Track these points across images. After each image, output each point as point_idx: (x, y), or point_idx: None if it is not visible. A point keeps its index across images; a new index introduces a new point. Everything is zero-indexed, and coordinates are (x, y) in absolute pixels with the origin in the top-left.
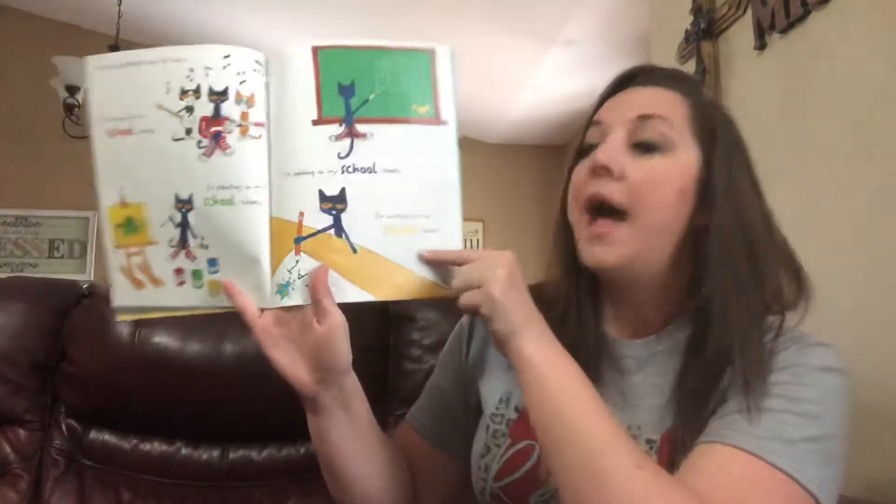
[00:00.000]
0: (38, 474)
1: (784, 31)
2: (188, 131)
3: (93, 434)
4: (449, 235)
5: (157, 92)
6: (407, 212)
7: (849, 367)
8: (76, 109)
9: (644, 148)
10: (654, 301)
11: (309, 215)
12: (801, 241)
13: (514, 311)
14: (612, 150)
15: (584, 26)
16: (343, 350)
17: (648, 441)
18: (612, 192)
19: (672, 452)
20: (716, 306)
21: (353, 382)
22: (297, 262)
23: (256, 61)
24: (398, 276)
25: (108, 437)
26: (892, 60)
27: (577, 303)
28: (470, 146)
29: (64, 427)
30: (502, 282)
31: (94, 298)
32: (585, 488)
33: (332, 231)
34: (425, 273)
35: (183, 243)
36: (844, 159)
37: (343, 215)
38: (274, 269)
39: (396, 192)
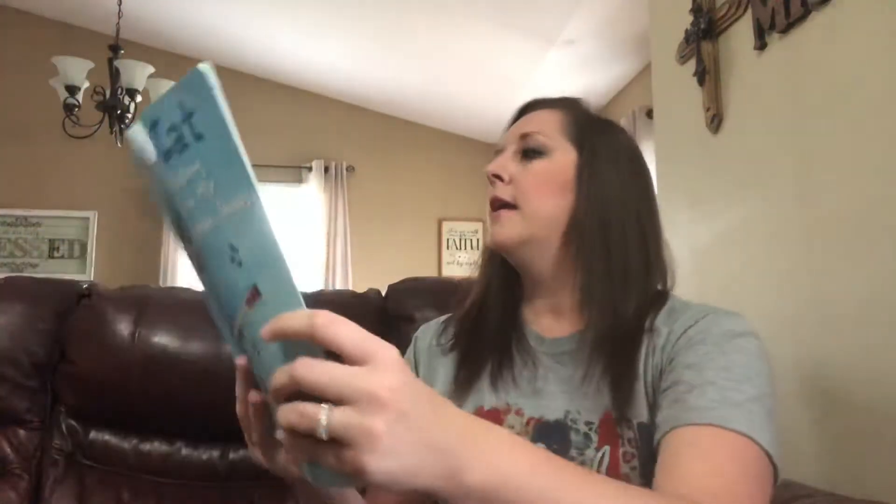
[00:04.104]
0: (38, 474)
1: (784, 31)
2: None
3: (93, 434)
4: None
5: None
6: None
7: (850, 366)
8: (76, 109)
9: (528, 155)
10: (565, 294)
11: None
12: (801, 241)
13: (418, 471)
14: (501, 161)
15: (584, 26)
16: None
17: (587, 423)
18: (503, 193)
19: (610, 430)
20: (582, 291)
21: None
22: None
23: None
24: None
25: (108, 437)
26: (892, 60)
27: (491, 289)
28: (470, 146)
29: (64, 427)
30: (379, 448)
31: (93, 298)
32: None
33: None
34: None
35: None
36: (845, 159)
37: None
38: None
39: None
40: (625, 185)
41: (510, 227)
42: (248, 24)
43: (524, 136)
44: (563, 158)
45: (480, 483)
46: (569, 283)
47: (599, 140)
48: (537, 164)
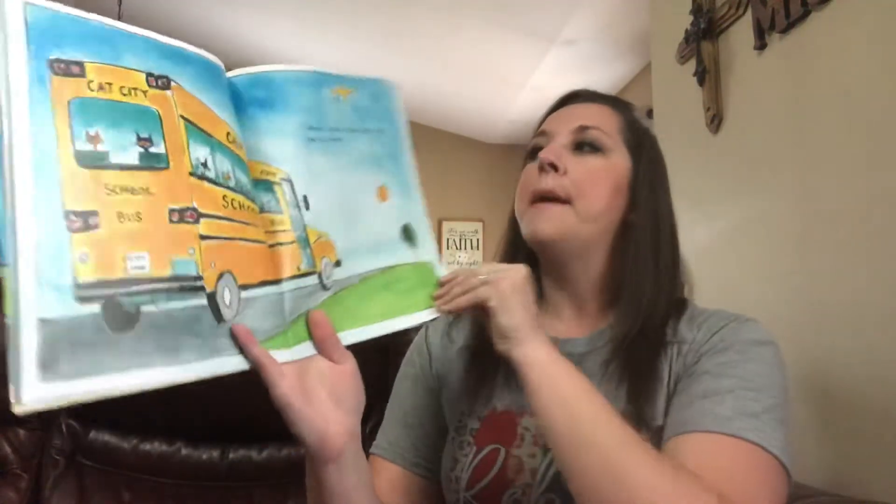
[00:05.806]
0: (38, 474)
1: (784, 31)
2: None
3: (93, 434)
4: None
5: None
6: None
7: (850, 366)
8: None
9: (584, 149)
10: (594, 293)
11: None
12: (800, 241)
13: (523, 310)
14: (557, 149)
15: (584, 26)
16: (360, 380)
17: None
18: (557, 186)
19: None
20: (627, 292)
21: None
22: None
23: None
24: None
25: (108, 437)
26: (892, 60)
27: None
28: (470, 146)
29: (64, 427)
30: (512, 281)
31: None
32: (608, 486)
33: None
34: None
35: None
36: (845, 159)
37: None
38: None
39: None
40: (666, 196)
41: (560, 221)
42: (249, 24)
43: (582, 129)
44: (619, 161)
45: (539, 355)
46: (601, 283)
47: (650, 149)
48: (594, 161)
